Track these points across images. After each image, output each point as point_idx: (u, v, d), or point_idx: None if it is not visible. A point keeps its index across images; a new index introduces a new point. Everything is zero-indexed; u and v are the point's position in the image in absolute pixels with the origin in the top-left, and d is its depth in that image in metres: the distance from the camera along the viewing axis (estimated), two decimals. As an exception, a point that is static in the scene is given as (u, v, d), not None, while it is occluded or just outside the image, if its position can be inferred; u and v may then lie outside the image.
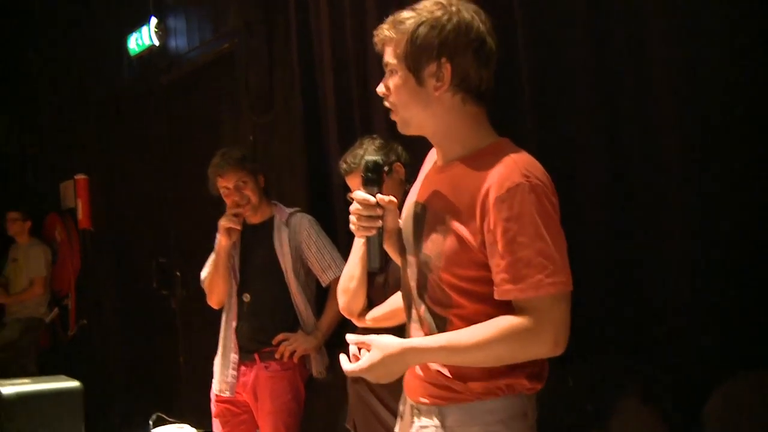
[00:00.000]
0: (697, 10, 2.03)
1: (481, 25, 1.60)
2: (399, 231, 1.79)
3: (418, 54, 1.58)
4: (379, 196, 1.71)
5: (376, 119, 3.04)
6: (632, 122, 2.23)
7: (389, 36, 1.63)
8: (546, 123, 2.41)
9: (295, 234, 3.20)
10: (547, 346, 1.51)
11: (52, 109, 6.35)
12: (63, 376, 2.75)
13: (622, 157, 2.27)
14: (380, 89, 1.69)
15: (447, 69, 1.58)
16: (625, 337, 2.26)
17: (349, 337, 1.67)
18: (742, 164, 1.99)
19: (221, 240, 3.19)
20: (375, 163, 1.75)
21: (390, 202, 1.73)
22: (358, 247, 2.58)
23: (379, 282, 2.57)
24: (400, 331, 2.47)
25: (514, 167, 1.54)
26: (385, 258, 1.80)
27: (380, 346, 1.60)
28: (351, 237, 2.52)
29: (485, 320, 1.56)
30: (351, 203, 2.47)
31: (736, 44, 1.99)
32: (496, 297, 1.54)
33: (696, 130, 2.06)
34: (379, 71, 3.05)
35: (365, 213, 1.70)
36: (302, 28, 3.52)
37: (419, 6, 1.63)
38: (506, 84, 2.46)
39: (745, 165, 1.98)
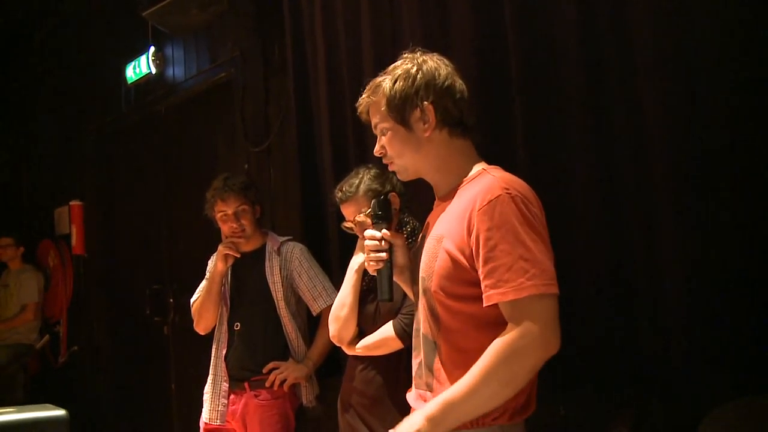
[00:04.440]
0: (689, 16, 2.08)
1: (446, 67, 1.78)
2: (412, 267, 1.90)
3: (401, 105, 1.75)
4: (384, 231, 1.86)
5: (370, 149, 3.06)
6: (623, 125, 2.27)
7: (371, 101, 1.82)
8: (535, 132, 2.45)
9: (287, 262, 3.21)
10: (540, 349, 1.53)
11: (49, 135, 6.37)
12: (49, 405, 2.71)
13: (614, 177, 2.30)
14: (376, 150, 1.83)
15: (430, 109, 1.74)
16: (616, 366, 2.27)
17: None
18: (739, 180, 2.02)
19: (218, 265, 3.19)
20: (383, 202, 1.91)
21: (395, 236, 1.87)
22: (350, 275, 2.60)
23: (370, 311, 2.58)
24: (391, 359, 2.49)
25: (495, 183, 1.63)
26: (393, 289, 1.89)
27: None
28: (344, 265, 2.54)
29: (471, 345, 1.60)
30: (345, 231, 2.52)
31: (728, 46, 2.03)
32: (484, 305, 1.58)
33: (688, 139, 2.09)
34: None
35: (373, 248, 1.84)
36: (298, 59, 3.56)
37: (389, 68, 1.82)
38: (498, 101, 2.51)
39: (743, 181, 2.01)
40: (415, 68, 1.76)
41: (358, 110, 1.86)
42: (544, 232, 1.61)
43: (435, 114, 1.73)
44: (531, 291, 1.52)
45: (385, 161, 1.84)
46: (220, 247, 3.20)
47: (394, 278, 1.90)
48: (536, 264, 1.54)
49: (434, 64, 1.77)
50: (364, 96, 1.84)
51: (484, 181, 1.67)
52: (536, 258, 1.54)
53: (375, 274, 1.88)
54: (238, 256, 3.21)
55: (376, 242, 1.84)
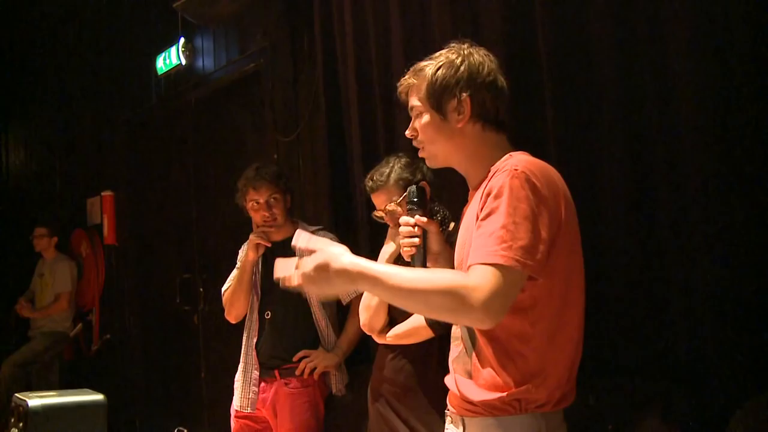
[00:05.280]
0: (723, 23, 2.05)
1: (491, 63, 1.80)
2: (446, 254, 1.94)
3: (440, 92, 1.77)
4: (418, 218, 1.90)
5: (399, 137, 3.07)
6: (655, 128, 2.26)
7: (412, 83, 1.83)
8: (567, 133, 2.44)
9: (317, 251, 3.22)
10: (477, 310, 1.51)
11: (81, 126, 6.45)
12: (87, 390, 2.78)
13: (644, 177, 2.28)
14: (408, 132, 1.85)
15: (467, 102, 1.75)
16: (646, 356, 2.26)
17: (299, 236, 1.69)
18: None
19: (249, 254, 3.22)
20: (417, 191, 1.95)
21: (429, 223, 1.90)
22: (380, 264, 2.60)
23: (401, 299, 2.58)
24: (421, 348, 2.50)
25: (510, 162, 1.66)
26: None
27: (326, 251, 1.62)
28: (374, 255, 2.55)
29: (502, 332, 1.62)
30: (375, 221, 2.53)
31: (758, 51, 2.00)
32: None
33: (717, 136, 2.08)
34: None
35: (406, 234, 1.89)
36: (327, 48, 3.57)
37: (435, 54, 1.84)
38: (528, 97, 2.51)
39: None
40: (460, 59, 1.78)
41: (399, 90, 1.88)
42: (551, 215, 1.60)
43: (471, 106, 1.75)
44: (499, 260, 1.52)
45: (415, 144, 1.85)
46: (251, 236, 3.23)
47: (428, 265, 1.91)
48: (516, 238, 1.54)
49: (480, 58, 1.79)
50: (406, 77, 1.85)
51: (504, 161, 1.70)
52: (520, 233, 1.54)
53: (409, 260, 1.91)
54: (269, 245, 3.23)
55: (410, 228, 1.88)
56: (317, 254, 1.62)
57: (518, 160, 1.66)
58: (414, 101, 1.83)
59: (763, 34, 2.01)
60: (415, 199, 1.94)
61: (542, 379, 1.62)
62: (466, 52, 1.80)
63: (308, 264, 1.62)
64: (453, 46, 1.82)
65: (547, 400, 1.63)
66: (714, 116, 2.11)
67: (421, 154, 1.86)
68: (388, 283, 1.57)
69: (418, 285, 1.56)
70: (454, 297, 1.52)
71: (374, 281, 1.59)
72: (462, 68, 1.76)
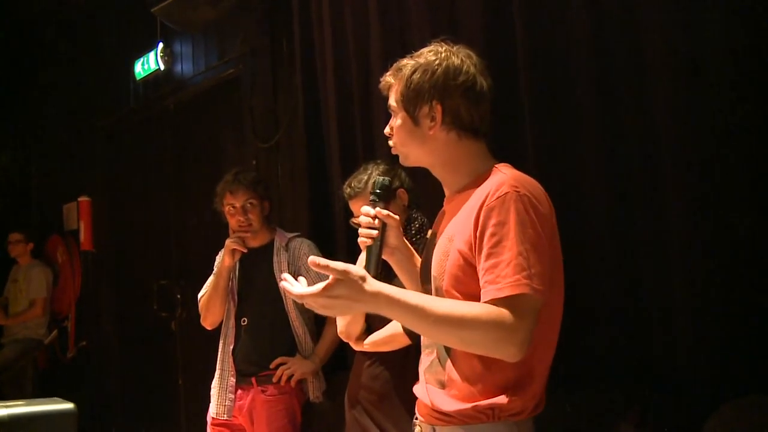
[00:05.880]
0: (699, 22, 2.07)
1: (471, 67, 1.73)
2: (403, 250, 1.89)
3: (413, 97, 1.73)
4: (378, 209, 1.81)
5: (378, 144, 3.08)
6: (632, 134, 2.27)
7: (391, 81, 1.80)
8: (545, 140, 2.45)
9: (295, 258, 3.22)
10: (515, 347, 1.51)
11: (57, 131, 6.39)
12: (57, 399, 2.72)
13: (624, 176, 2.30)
14: (386, 130, 1.82)
15: (438, 110, 1.72)
16: (622, 363, 2.27)
17: (315, 260, 1.54)
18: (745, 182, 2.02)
19: (225, 260, 3.20)
20: (383, 182, 1.88)
21: (389, 216, 1.81)
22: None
23: (378, 306, 2.57)
24: (398, 355, 2.50)
25: (504, 180, 1.62)
26: (382, 268, 1.85)
27: (354, 281, 1.52)
28: (352, 261, 2.53)
29: None
30: (353, 227, 2.49)
31: (738, 51, 2.03)
32: (481, 300, 1.56)
33: (697, 140, 2.09)
34: (381, 97, 3.11)
35: (365, 224, 1.81)
36: (306, 55, 3.57)
37: (418, 52, 1.78)
38: (506, 102, 2.52)
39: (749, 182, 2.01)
40: (437, 62, 1.72)
41: (380, 86, 1.84)
42: (549, 234, 1.60)
43: (443, 115, 1.72)
44: (526, 290, 1.51)
45: (390, 142, 1.83)
46: (227, 242, 3.21)
47: (385, 258, 1.87)
48: (534, 264, 1.53)
49: (459, 62, 1.73)
50: (387, 74, 1.81)
51: (495, 179, 1.66)
52: (534, 259, 1.53)
53: (364, 250, 1.84)
54: (245, 251, 3.22)
55: (369, 219, 1.81)
56: (344, 275, 1.51)
57: (513, 178, 1.63)
58: (391, 100, 1.80)
59: (739, 30, 2.03)
60: (379, 191, 1.87)
61: (521, 389, 1.61)
62: (444, 55, 1.74)
63: (336, 286, 1.52)
64: (434, 47, 1.77)
65: (523, 408, 1.62)
66: (690, 117, 2.12)
67: (393, 152, 1.83)
68: (430, 314, 1.52)
69: (457, 312, 1.52)
70: (496, 334, 1.50)
71: (412, 310, 1.53)
72: (438, 73, 1.71)
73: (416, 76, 1.73)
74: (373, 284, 1.53)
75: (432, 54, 1.75)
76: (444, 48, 1.76)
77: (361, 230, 1.81)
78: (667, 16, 2.16)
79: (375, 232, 1.80)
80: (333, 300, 1.52)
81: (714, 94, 2.08)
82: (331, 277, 1.52)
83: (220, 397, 3.20)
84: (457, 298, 1.63)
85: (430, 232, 1.90)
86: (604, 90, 2.35)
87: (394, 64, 1.80)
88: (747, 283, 2.01)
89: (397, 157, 1.85)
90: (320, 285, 1.52)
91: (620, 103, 2.31)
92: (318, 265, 1.52)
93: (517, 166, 1.75)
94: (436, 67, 1.72)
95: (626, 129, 2.30)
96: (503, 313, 1.51)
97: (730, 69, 2.06)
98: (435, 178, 1.84)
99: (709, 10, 2.08)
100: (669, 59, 2.15)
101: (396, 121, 1.78)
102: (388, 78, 1.81)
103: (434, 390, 1.71)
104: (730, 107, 2.05)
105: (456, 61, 1.73)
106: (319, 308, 1.55)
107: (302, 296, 1.55)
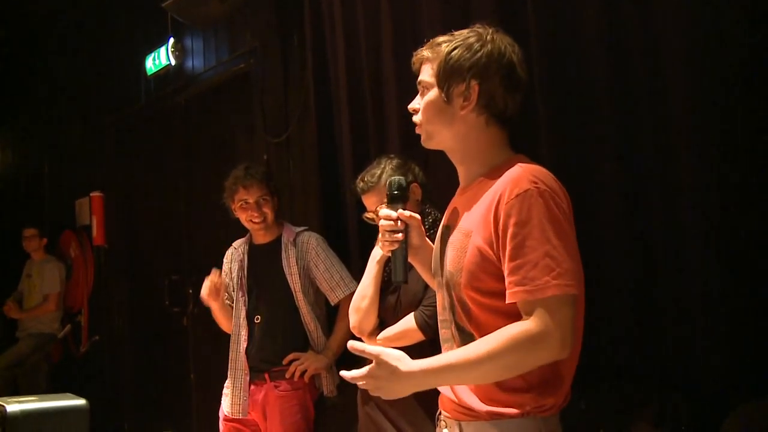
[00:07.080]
0: (717, 26, 2.05)
1: (513, 55, 1.69)
2: (425, 248, 1.87)
3: (450, 73, 1.68)
4: (400, 211, 1.80)
5: (390, 139, 3.06)
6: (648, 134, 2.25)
7: (426, 56, 1.74)
8: (560, 141, 2.43)
9: (303, 253, 3.21)
10: (555, 349, 1.50)
11: (70, 127, 6.41)
12: (69, 394, 2.74)
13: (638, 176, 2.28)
14: (411, 105, 1.78)
15: (474, 90, 1.66)
16: (639, 360, 2.25)
17: (354, 345, 1.61)
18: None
19: (209, 304, 3.25)
20: (399, 182, 1.86)
21: (411, 217, 1.80)
22: (372, 266, 2.59)
23: (391, 302, 2.57)
24: (412, 350, 2.48)
25: (523, 175, 1.59)
26: (409, 271, 1.85)
27: (388, 363, 1.56)
28: (364, 256, 2.54)
29: None
30: (366, 222, 2.48)
31: (753, 53, 2.00)
32: (506, 301, 1.55)
33: (713, 140, 2.07)
34: (393, 90, 3.09)
35: (388, 228, 1.79)
36: (317, 49, 3.55)
37: (457, 33, 1.73)
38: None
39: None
40: (480, 43, 1.67)
41: (413, 59, 1.79)
42: (570, 229, 1.58)
43: (478, 96, 1.66)
44: (555, 291, 1.49)
45: (414, 119, 1.78)
46: (202, 296, 3.22)
47: (409, 259, 1.85)
48: (561, 263, 1.51)
49: (502, 47, 1.68)
50: (422, 49, 1.76)
51: (512, 172, 1.61)
52: (562, 256, 1.51)
53: (389, 254, 1.83)
54: (220, 302, 3.24)
55: (392, 223, 1.79)
56: (377, 358, 1.56)
57: (531, 173, 1.59)
58: (424, 75, 1.74)
59: (758, 29, 2.01)
60: (396, 192, 1.84)
61: (551, 385, 1.59)
62: (488, 38, 1.68)
63: (376, 368, 1.56)
64: (477, 28, 1.71)
65: (553, 404, 1.60)
66: (708, 117, 2.10)
67: (417, 131, 1.78)
68: (466, 365, 1.53)
69: (488, 350, 1.52)
70: (528, 347, 1.49)
71: (450, 370, 1.55)
72: (480, 54, 1.65)
73: (456, 52, 1.67)
74: (407, 364, 1.56)
75: (473, 35, 1.70)
76: (490, 30, 1.71)
77: (384, 236, 1.80)
78: (684, 6, 2.14)
79: (400, 236, 1.78)
80: (377, 381, 1.57)
81: (732, 92, 2.05)
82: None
83: (234, 396, 3.20)
84: (474, 295, 1.61)
85: (441, 225, 1.88)
86: (619, 88, 2.32)
87: (431, 40, 1.75)
88: (765, 283, 1.99)
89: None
90: (365, 369, 1.57)
91: (636, 101, 2.28)
92: (355, 349, 1.58)
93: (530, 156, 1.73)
94: (479, 47, 1.67)
95: (642, 126, 2.28)
96: (529, 325, 1.50)
97: (748, 68, 2.03)
98: (443, 171, 1.81)
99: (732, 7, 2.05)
100: (686, 55, 2.13)
101: (426, 98, 1.72)
102: (424, 52, 1.75)
103: (459, 386, 1.67)
104: (749, 105, 2.02)
105: (501, 45, 1.68)
106: (371, 390, 1.60)
107: (354, 379, 1.60)
